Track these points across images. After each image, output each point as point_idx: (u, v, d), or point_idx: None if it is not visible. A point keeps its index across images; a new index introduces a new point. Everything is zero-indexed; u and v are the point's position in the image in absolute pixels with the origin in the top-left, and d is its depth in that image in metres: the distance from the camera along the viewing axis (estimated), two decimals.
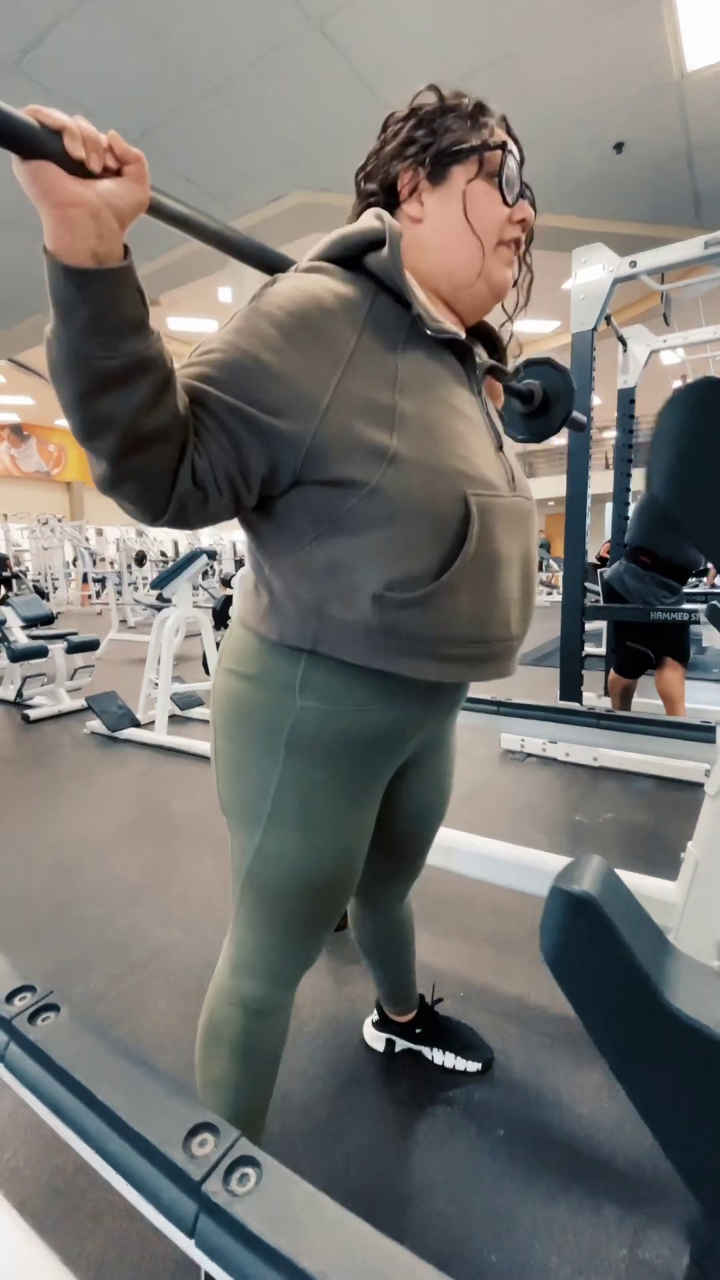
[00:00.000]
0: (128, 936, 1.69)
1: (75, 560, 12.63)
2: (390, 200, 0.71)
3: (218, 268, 5.37)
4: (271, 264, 0.71)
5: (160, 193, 0.54)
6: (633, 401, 3.64)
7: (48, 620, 5.24)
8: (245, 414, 0.58)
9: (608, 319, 2.88)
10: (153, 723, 3.48)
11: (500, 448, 0.73)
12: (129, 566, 10.33)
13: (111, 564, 11.88)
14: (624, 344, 3.48)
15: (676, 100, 3.78)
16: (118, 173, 0.50)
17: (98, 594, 11.65)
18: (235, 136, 3.89)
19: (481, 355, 0.75)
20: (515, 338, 0.84)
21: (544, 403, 1.08)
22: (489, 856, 1.51)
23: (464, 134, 0.67)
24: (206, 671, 3.94)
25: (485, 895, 1.77)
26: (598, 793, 2.57)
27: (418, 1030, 1.26)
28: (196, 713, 3.76)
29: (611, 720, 1.47)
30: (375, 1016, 1.31)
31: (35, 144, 0.44)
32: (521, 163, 0.72)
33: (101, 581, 11.42)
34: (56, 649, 4.04)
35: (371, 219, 0.66)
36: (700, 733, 1.29)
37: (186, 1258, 0.43)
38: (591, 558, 6.71)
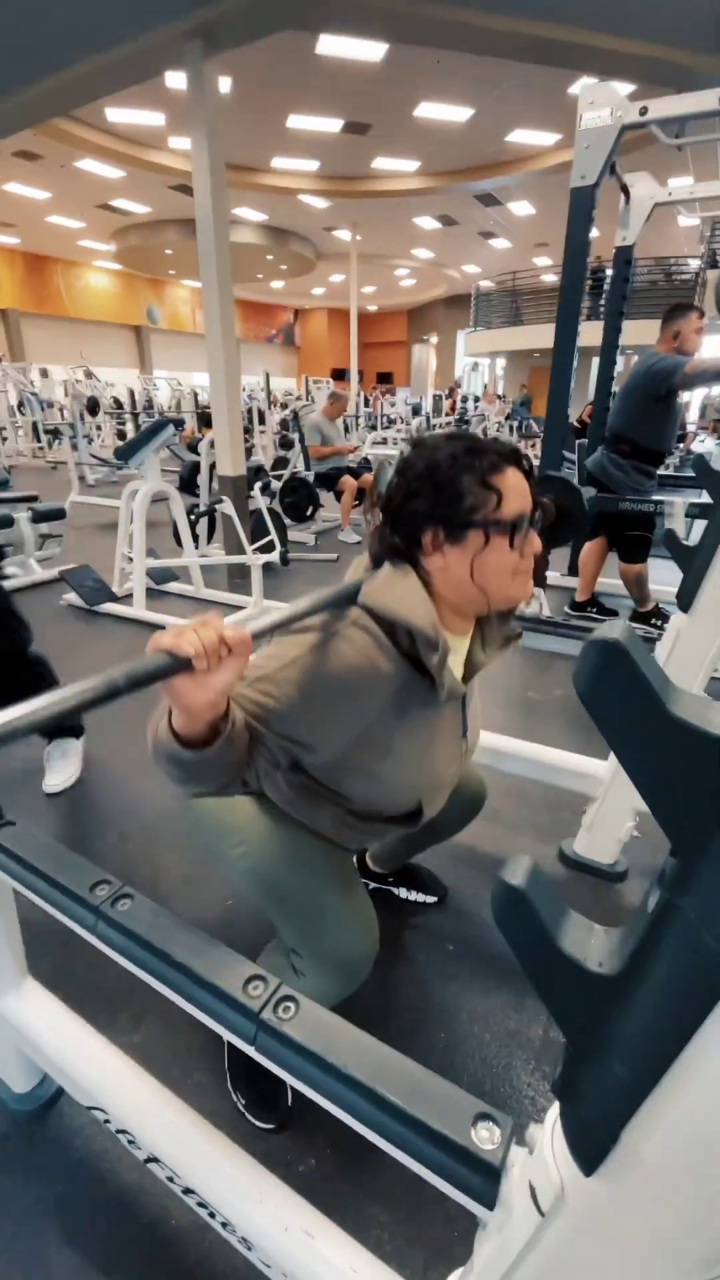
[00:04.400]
0: (133, 803, 1.91)
1: (21, 406, 11.55)
2: (412, 549, 0.82)
3: (168, 67, 4.48)
4: (342, 603, 0.81)
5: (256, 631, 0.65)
6: (629, 262, 3.40)
7: (2, 484, 4.99)
8: (286, 745, 0.80)
9: (612, 168, 2.63)
10: (129, 595, 3.54)
11: (464, 733, 0.97)
12: (81, 416, 9.58)
13: (62, 411, 10.97)
14: (626, 195, 3.18)
15: None
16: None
17: (49, 444, 10.91)
18: None
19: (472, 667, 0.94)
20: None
21: (558, 518, 1.19)
22: None
23: (477, 499, 0.77)
24: (178, 542, 3.93)
25: None
26: (551, 671, 2.82)
27: (390, 878, 1.54)
28: (173, 587, 3.82)
29: (574, 629, 1.62)
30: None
31: (173, 673, 0.57)
32: (530, 474, 0.82)
33: (54, 433, 10.65)
34: (22, 518, 3.93)
35: (425, 622, 0.77)
36: None
37: (212, 1039, 0.62)
38: (573, 420, 6.50)
